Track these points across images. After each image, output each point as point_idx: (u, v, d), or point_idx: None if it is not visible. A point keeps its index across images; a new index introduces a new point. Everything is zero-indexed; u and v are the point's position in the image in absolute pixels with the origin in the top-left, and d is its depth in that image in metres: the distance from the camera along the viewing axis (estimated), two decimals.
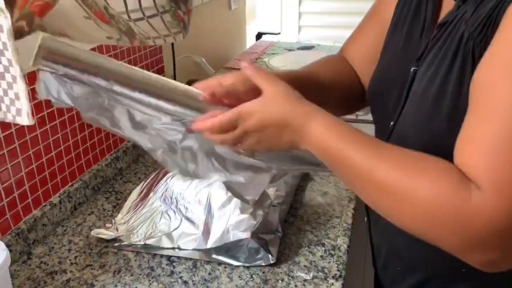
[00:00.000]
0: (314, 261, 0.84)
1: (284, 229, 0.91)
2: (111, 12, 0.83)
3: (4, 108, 0.65)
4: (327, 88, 0.79)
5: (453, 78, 0.54)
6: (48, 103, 0.92)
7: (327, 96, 0.79)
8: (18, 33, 0.64)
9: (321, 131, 0.58)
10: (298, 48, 1.86)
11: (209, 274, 0.81)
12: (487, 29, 0.51)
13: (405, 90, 0.64)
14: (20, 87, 0.62)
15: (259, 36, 2.13)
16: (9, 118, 0.65)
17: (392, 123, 0.66)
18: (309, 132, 0.58)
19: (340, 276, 0.79)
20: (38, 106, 0.89)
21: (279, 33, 2.20)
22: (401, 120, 0.64)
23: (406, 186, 0.50)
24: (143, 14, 1.00)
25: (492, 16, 0.50)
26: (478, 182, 0.46)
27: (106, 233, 0.90)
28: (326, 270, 0.82)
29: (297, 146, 0.61)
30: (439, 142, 0.55)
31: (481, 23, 0.51)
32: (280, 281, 0.79)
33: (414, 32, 0.67)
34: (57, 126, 0.96)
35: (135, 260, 0.85)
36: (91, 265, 0.85)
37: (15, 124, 0.84)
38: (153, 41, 1.02)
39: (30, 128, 0.88)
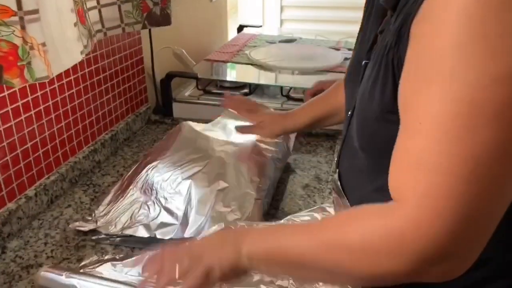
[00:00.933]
0: None
1: (266, 221, 0.91)
2: (85, 8, 0.82)
3: None
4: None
5: (378, 85, 0.55)
6: (23, 92, 0.90)
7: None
8: None
9: (255, 239, 0.58)
10: (280, 41, 1.85)
11: None
12: (399, 43, 0.51)
13: (359, 83, 0.65)
14: None
15: (240, 28, 2.12)
16: None
17: (349, 113, 0.68)
18: (245, 243, 0.58)
19: None
20: (12, 95, 0.87)
21: (260, 26, 2.19)
22: (355, 114, 0.65)
23: (340, 238, 0.51)
24: (98, 2, 0.99)
25: (401, 31, 0.50)
26: (402, 201, 0.47)
27: (85, 225, 0.88)
28: None
29: (239, 260, 0.57)
30: (373, 138, 0.57)
31: (395, 35, 0.51)
32: None
33: (368, 27, 0.69)
34: (33, 117, 0.93)
35: (113, 253, 0.83)
36: (68, 259, 0.83)
37: None
38: (103, 35, 1.03)
39: (4, 118, 0.86)
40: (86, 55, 1.08)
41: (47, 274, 0.74)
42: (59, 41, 0.73)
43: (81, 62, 1.07)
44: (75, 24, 0.77)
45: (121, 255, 0.81)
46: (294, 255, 0.54)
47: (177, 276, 0.59)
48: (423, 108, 0.45)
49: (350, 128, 0.67)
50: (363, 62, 0.65)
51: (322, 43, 1.81)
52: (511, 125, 0.42)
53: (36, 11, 0.68)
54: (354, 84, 0.68)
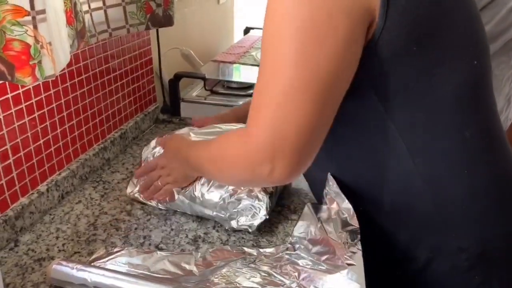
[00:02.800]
0: None
1: (271, 218, 0.93)
2: (77, 9, 0.84)
3: None
4: None
5: None
6: (37, 90, 0.92)
7: None
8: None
9: (187, 151, 0.86)
10: None
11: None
12: None
13: None
14: None
15: (247, 30, 2.14)
16: None
17: None
18: (184, 156, 0.87)
19: None
20: (26, 93, 0.89)
21: None
22: None
23: (217, 154, 0.74)
24: (104, 3, 1.01)
25: None
26: (247, 126, 0.63)
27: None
28: None
29: (186, 170, 0.89)
30: None
31: None
32: None
33: None
34: (45, 115, 0.96)
35: (123, 247, 0.85)
36: (79, 252, 0.85)
37: (3, 111, 0.84)
38: (109, 35, 1.07)
39: (18, 115, 0.88)
40: (97, 55, 1.11)
41: (58, 267, 0.76)
42: (58, 41, 0.75)
43: (92, 62, 1.09)
44: (66, 25, 0.80)
45: (130, 249, 0.83)
46: (200, 165, 0.80)
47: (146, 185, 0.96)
48: (267, 55, 0.61)
49: None
50: None
51: None
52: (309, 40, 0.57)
53: (44, 11, 0.70)
54: None
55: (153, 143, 1.04)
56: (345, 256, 0.67)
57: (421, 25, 0.60)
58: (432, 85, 0.62)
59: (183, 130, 1.05)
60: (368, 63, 0.60)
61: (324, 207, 0.77)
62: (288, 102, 0.58)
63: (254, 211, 0.87)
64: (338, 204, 0.73)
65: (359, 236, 0.68)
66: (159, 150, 1.01)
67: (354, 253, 0.66)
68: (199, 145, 0.85)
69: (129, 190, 1.02)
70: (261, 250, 0.82)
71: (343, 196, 0.71)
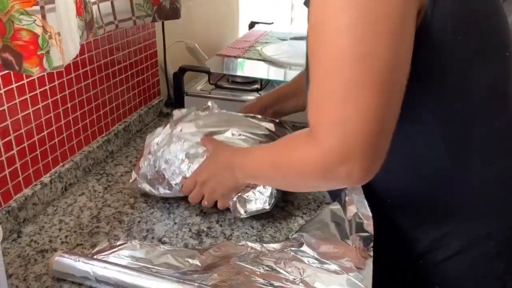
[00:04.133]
0: None
1: (275, 213, 0.92)
2: (86, 0, 0.83)
3: None
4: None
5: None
6: (42, 81, 0.92)
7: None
8: (7, 66, 0.69)
9: (241, 160, 0.82)
10: (291, 38, 1.87)
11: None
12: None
13: None
14: None
15: (252, 25, 2.13)
16: None
17: None
18: (237, 164, 0.82)
19: None
20: (31, 83, 0.89)
21: (272, 23, 2.20)
22: None
23: (283, 162, 0.70)
24: None
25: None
26: (312, 127, 0.61)
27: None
28: None
29: (237, 178, 0.83)
30: None
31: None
32: None
33: None
34: (50, 106, 0.95)
35: (126, 240, 0.85)
36: (82, 245, 0.85)
37: (8, 101, 0.84)
38: (115, 27, 1.06)
39: (23, 106, 0.88)
40: (102, 47, 1.10)
41: (61, 259, 0.76)
42: (67, 31, 0.75)
43: (97, 54, 1.09)
44: (76, 16, 0.79)
45: (133, 242, 0.82)
46: (258, 172, 0.78)
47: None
48: (322, 49, 0.57)
49: None
50: None
51: None
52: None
53: (53, 1, 0.70)
54: None
55: (158, 130, 1.00)
56: (355, 260, 0.66)
57: (467, 14, 0.60)
58: (470, 75, 0.63)
59: (188, 115, 1.03)
60: (414, 50, 0.58)
61: (339, 207, 0.77)
62: (352, 98, 0.55)
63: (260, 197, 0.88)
64: (357, 208, 0.73)
65: (372, 243, 0.67)
66: (163, 138, 0.97)
67: (364, 258, 0.66)
68: (255, 151, 0.81)
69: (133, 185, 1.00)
70: (265, 245, 0.81)
71: (365, 202, 0.72)
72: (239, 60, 1.61)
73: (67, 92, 1.00)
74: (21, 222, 0.89)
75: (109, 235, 0.87)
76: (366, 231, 0.69)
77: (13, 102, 0.85)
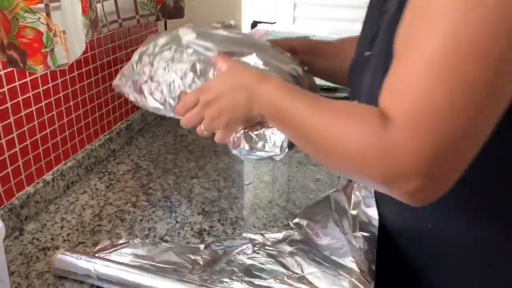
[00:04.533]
0: None
1: (276, 213, 0.93)
2: None
3: None
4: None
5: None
6: (44, 79, 0.92)
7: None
8: (11, 63, 0.69)
9: (271, 92, 0.63)
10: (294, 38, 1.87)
11: None
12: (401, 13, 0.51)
13: (362, 75, 0.66)
14: None
15: (254, 24, 2.13)
16: None
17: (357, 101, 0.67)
18: (260, 93, 0.64)
19: None
20: (34, 81, 0.89)
21: (274, 23, 2.20)
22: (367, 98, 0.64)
23: (333, 132, 0.54)
24: None
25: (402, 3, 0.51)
26: (393, 117, 0.48)
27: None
28: None
29: (251, 109, 0.65)
30: None
31: (397, 11, 0.53)
32: None
33: (368, 18, 0.70)
34: (52, 104, 0.95)
35: (128, 238, 0.85)
36: (83, 243, 0.85)
37: (11, 99, 0.84)
38: (119, 25, 1.05)
39: (25, 104, 0.88)
40: (105, 45, 1.11)
41: (63, 257, 0.76)
42: (73, 30, 0.75)
43: (99, 52, 1.09)
44: (82, 14, 0.79)
45: (135, 241, 0.83)
46: (292, 121, 0.60)
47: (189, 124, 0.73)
48: (415, 38, 0.47)
49: None
50: (365, 53, 0.65)
51: (335, 40, 1.82)
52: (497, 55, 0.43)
53: None
54: (358, 77, 0.69)
55: (164, 33, 0.81)
56: (359, 262, 0.66)
57: None
58: None
59: (204, 27, 0.81)
60: None
61: (343, 197, 0.75)
62: (459, 98, 0.44)
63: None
64: (363, 204, 0.72)
65: (376, 246, 0.67)
66: (168, 42, 0.78)
67: (368, 261, 0.66)
68: (295, 92, 0.63)
69: (115, 82, 0.84)
70: (265, 235, 0.81)
71: (373, 201, 0.70)
72: None
73: (69, 90, 1.00)
74: (23, 220, 0.89)
75: (111, 233, 0.87)
76: (370, 231, 0.69)
77: (16, 100, 0.85)
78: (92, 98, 1.08)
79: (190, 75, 0.73)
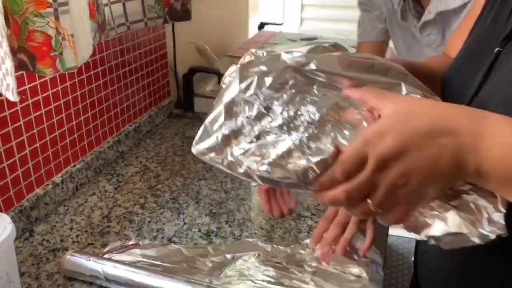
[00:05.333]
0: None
1: None
2: (98, 2, 0.85)
3: None
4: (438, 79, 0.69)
5: None
6: (53, 82, 0.93)
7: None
8: (21, 67, 0.71)
9: (502, 134, 0.41)
10: (301, 39, 1.87)
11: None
12: None
13: (482, 72, 0.59)
14: (8, 64, 0.64)
15: (261, 26, 2.13)
16: (2, 90, 0.69)
17: (465, 103, 0.57)
18: (482, 138, 0.41)
19: None
20: (43, 85, 0.90)
21: (281, 24, 2.20)
22: (480, 100, 0.57)
23: None
24: None
25: None
26: None
27: None
28: None
29: (463, 164, 0.41)
30: None
31: None
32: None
33: (502, 15, 0.65)
34: (61, 106, 0.96)
35: (137, 240, 0.86)
36: (92, 244, 0.85)
37: (21, 102, 0.85)
38: (127, 28, 1.06)
39: (35, 107, 0.89)
40: (113, 48, 1.11)
41: (72, 258, 0.77)
42: (81, 33, 0.76)
43: (108, 55, 1.10)
44: (89, 18, 0.80)
45: (144, 242, 0.83)
46: None
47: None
48: None
49: None
50: (496, 50, 0.59)
51: (343, 42, 1.82)
52: None
53: (66, 3, 0.71)
54: (469, 77, 0.62)
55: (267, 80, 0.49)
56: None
57: None
58: None
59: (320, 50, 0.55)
60: None
61: None
62: None
63: None
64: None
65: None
66: (274, 79, 0.49)
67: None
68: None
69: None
70: (275, 246, 0.82)
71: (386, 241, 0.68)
72: None
73: (78, 93, 1.01)
74: (33, 221, 0.90)
75: (120, 234, 0.88)
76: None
77: (26, 103, 0.86)
78: (101, 101, 1.09)
79: (332, 120, 0.47)
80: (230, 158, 0.48)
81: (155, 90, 1.33)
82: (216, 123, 0.49)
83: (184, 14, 1.17)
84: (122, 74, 1.17)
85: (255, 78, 0.50)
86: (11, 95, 0.66)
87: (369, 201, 0.42)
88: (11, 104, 0.83)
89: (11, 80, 0.65)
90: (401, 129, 0.41)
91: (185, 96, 1.44)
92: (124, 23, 1.05)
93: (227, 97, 0.50)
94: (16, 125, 0.85)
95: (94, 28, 0.83)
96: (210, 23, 1.71)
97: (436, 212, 0.46)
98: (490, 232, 0.43)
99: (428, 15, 1.11)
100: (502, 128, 0.41)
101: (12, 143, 0.85)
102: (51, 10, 0.68)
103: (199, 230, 0.89)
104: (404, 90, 0.51)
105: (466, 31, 0.76)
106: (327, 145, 0.44)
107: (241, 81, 0.50)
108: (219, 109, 0.50)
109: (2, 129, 0.82)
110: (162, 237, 0.87)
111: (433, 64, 0.72)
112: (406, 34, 1.24)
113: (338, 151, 0.43)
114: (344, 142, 0.44)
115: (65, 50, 0.72)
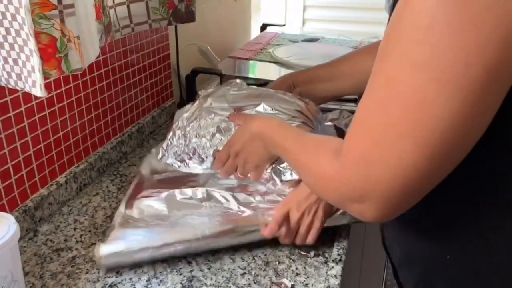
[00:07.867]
0: (315, 245, 0.85)
1: None
2: (104, 4, 0.85)
3: (23, 78, 0.68)
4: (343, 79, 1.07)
5: None
6: (57, 83, 0.94)
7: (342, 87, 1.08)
8: None
9: (275, 134, 0.80)
10: (302, 40, 1.87)
11: (212, 256, 0.83)
12: None
13: None
14: (35, 61, 0.64)
15: (263, 27, 2.14)
16: (27, 88, 0.69)
17: None
18: (270, 137, 0.81)
19: (340, 260, 0.81)
20: (47, 86, 0.91)
21: (284, 25, 2.21)
22: None
23: (307, 160, 0.65)
24: None
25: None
26: (344, 155, 0.55)
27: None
28: (326, 254, 0.83)
29: (269, 150, 0.83)
30: None
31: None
32: (281, 264, 0.81)
33: None
34: (65, 107, 0.97)
35: None
36: (96, 244, 0.86)
37: (25, 103, 0.86)
38: (131, 30, 1.07)
39: (39, 107, 0.90)
40: (116, 49, 1.12)
41: (106, 248, 0.77)
42: (87, 35, 0.77)
43: (111, 57, 1.10)
44: (95, 19, 0.81)
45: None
46: (285, 155, 0.75)
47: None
48: (377, 77, 0.51)
49: None
50: None
51: (345, 43, 1.83)
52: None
53: (72, 5, 0.71)
54: None
55: (187, 106, 1.00)
56: None
57: None
58: None
59: (217, 91, 1.02)
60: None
61: None
62: (387, 144, 0.48)
63: None
64: None
65: None
66: (193, 113, 0.97)
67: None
68: (286, 133, 0.77)
69: (159, 157, 1.01)
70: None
71: None
72: (251, 62, 1.62)
73: (82, 94, 1.02)
74: (37, 221, 0.91)
75: None
76: None
77: (30, 104, 0.87)
78: (104, 102, 1.10)
79: (217, 135, 0.92)
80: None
81: (158, 91, 1.34)
82: (166, 142, 1.03)
83: (188, 16, 1.18)
84: (126, 75, 1.17)
85: (180, 119, 1.01)
86: (39, 91, 0.68)
87: (237, 172, 0.90)
88: (16, 105, 0.84)
89: (38, 76, 0.67)
90: (241, 136, 0.88)
91: (188, 97, 1.44)
92: (128, 24, 1.05)
93: (170, 129, 1.03)
94: (20, 126, 0.86)
95: (101, 30, 0.84)
96: (212, 24, 1.72)
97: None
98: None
99: None
100: (273, 131, 0.81)
101: (16, 144, 0.85)
102: (56, 12, 0.69)
103: None
104: (260, 107, 0.94)
105: None
106: (216, 147, 0.94)
107: (174, 121, 1.02)
108: (168, 135, 1.03)
109: (7, 130, 0.83)
110: None
111: (340, 63, 1.11)
112: None
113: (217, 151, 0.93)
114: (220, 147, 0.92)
115: (70, 52, 0.73)
